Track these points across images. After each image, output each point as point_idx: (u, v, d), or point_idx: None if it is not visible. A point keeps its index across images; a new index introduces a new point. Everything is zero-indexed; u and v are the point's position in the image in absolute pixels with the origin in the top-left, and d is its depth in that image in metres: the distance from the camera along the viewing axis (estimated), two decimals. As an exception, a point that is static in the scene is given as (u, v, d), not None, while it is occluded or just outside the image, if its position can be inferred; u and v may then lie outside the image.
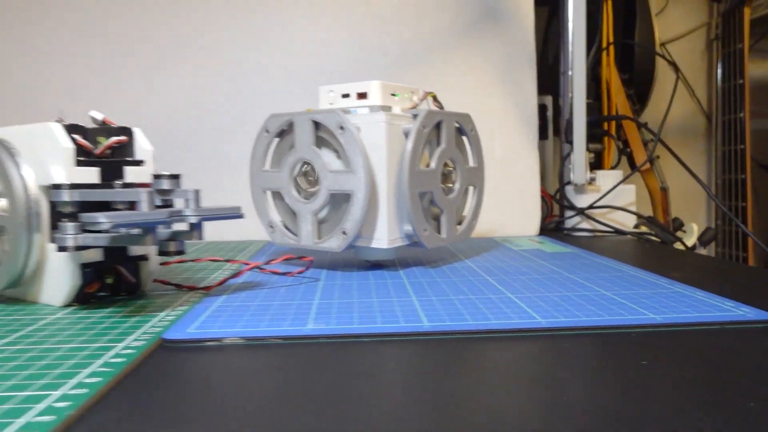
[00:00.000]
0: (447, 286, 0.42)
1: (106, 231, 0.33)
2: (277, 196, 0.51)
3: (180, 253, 0.37)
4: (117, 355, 0.27)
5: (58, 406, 0.21)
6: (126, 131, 0.40)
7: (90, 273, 0.38)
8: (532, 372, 0.25)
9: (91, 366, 0.26)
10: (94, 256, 0.38)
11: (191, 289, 0.42)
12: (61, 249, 0.35)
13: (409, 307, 0.36)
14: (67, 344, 0.29)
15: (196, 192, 0.37)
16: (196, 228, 0.37)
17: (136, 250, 0.40)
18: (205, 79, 0.76)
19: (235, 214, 0.40)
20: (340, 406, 0.22)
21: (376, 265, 0.51)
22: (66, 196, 0.35)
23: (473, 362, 0.27)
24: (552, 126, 0.93)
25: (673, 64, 1.19)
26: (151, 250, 0.41)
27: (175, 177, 0.37)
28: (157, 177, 0.37)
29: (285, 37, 0.76)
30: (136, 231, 0.34)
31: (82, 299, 0.38)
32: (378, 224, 0.47)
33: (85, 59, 0.76)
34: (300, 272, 0.48)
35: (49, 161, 0.37)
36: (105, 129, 0.40)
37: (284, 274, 0.47)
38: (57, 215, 0.37)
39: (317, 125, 0.47)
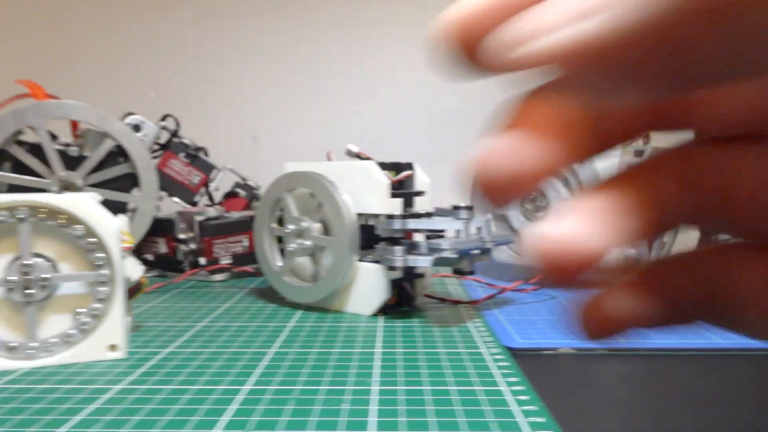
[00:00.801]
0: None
1: (435, 254, 0.40)
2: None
3: (472, 273, 0.44)
4: (495, 360, 0.33)
5: (522, 399, 0.28)
6: (409, 166, 0.47)
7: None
8: None
9: (488, 369, 0.32)
10: (397, 274, 0.44)
11: (456, 302, 0.49)
12: (391, 268, 0.41)
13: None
14: (431, 348, 0.36)
15: (489, 220, 0.43)
16: (487, 251, 0.43)
17: (419, 268, 0.47)
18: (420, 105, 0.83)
19: (509, 240, 0.46)
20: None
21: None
22: (398, 224, 0.42)
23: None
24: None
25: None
26: (428, 269, 0.48)
27: (470, 208, 0.43)
28: (456, 208, 0.43)
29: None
30: (454, 255, 0.41)
31: (382, 310, 0.45)
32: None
33: (287, 83, 0.84)
34: (534, 289, 0.54)
35: (365, 193, 0.44)
36: (393, 164, 0.46)
37: (518, 290, 0.53)
38: (370, 238, 0.44)
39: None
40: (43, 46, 0.87)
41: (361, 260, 0.44)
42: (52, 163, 0.52)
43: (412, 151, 0.80)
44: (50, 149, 0.52)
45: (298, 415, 0.26)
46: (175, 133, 0.61)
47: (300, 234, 0.46)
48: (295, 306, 0.48)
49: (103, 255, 0.34)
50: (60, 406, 0.27)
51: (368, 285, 0.44)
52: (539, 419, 0.25)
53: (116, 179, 0.56)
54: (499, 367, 0.32)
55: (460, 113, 0.82)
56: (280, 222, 0.50)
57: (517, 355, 0.35)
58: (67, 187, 0.53)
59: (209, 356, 0.34)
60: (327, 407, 0.27)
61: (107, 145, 0.54)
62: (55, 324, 0.34)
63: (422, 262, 0.41)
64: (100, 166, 0.54)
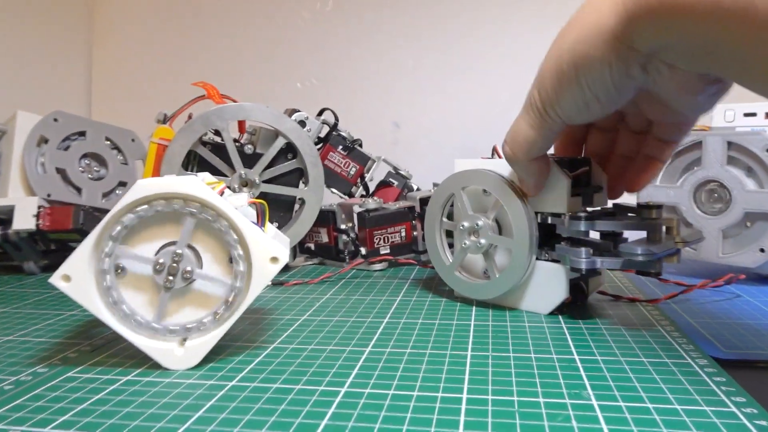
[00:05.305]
0: None
1: (626, 257, 0.39)
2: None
3: (658, 274, 0.42)
4: (707, 372, 0.32)
5: (758, 422, 0.27)
6: (587, 161, 0.46)
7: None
8: None
9: (707, 384, 0.31)
10: (576, 273, 0.44)
11: (633, 300, 0.47)
12: (575, 269, 0.41)
13: None
14: (631, 356, 0.35)
15: (677, 220, 0.41)
16: (676, 253, 0.42)
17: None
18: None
19: (700, 238, 0.44)
20: None
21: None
22: (583, 225, 0.41)
23: None
24: None
25: None
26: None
27: (659, 207, 0.42)
28: (642, 207, 0.42)
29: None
30: (645, 258, 0.39)
31: (559, 309, 0.45)
32: (799, 243, 0.48)
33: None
34: (716, 285, 0.51)
35: (545, 192, 0.43)
36: (569, 160, 0.45)
37: (690, 287, 0.50)
38: (547, 237, 0.43)
39: (729, 144, 0.49)
40: (188, 44, 0.92)
41: (538, 258, 0.44)
42: (234, 162, 0.56)
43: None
44: (233, 149, 0.55)
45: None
46: (334, 127, 0.64)
47: (474, 231, 0.46)
48: (465, 300, 0.49)
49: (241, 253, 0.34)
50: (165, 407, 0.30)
51: (546, 284, 0.44)
52: (790, 450, 0.24)
53: (286, 174, 0.59)
54: (716, 382, 0.31)
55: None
56: (449, 217, 0.50)
57: (726, 366, 0.34)
58: (245, 183, 0.57)
59: (416, 356, 0.36)
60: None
61: (279, 143, 0.57)
62: (184, 314, 0.35)
63: (611, 264, 0.40)
64: (272, 162, 0.58)
